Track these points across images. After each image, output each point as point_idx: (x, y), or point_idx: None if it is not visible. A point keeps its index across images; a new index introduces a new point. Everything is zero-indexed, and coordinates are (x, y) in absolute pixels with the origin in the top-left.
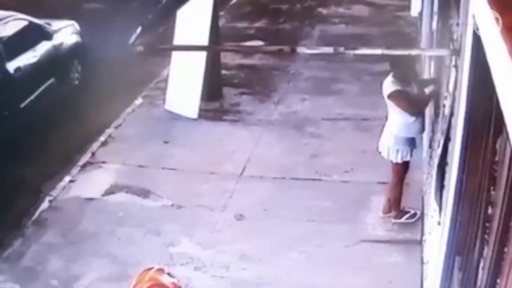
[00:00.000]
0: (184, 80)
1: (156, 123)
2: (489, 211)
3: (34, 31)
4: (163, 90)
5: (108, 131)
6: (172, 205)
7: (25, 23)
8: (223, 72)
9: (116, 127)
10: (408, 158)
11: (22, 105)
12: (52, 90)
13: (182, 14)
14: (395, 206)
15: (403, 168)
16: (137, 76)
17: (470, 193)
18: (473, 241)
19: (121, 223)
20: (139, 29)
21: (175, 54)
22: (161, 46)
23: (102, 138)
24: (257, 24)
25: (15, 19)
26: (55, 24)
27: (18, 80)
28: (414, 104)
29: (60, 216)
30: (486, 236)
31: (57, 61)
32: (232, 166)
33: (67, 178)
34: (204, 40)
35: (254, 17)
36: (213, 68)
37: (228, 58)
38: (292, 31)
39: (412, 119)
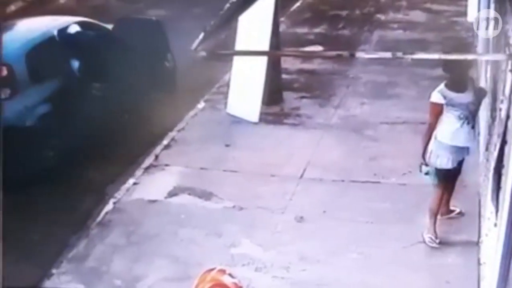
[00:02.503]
0: (245, 85)
1: (217, 126)
2: None
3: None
4: (225, 95)
5: (171, 134)
6: (233, 206)
7: (92, 27)
8: (284, 76)
9: (179, 131)
10: (448, 166)
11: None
12: None
13: (243, 20)
14: (430, 216)
15: (443, 176)
16: (200, 81)
17: None
18: None
19: (183, 225)
20: (201, 35)
21: (236, 59)
22: (223, 52)
23: (165, 141)
24: (317, 30)
25: (82, 24)
26: None
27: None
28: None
29: (124, 217)
30: None
31: None
32: (292, 169)
33: (131, 181)
34: (265, 46)
35: (313, 23)
36: (273, 73)
37: (288, 63)
38: (351, 36)
39: (457, 125)
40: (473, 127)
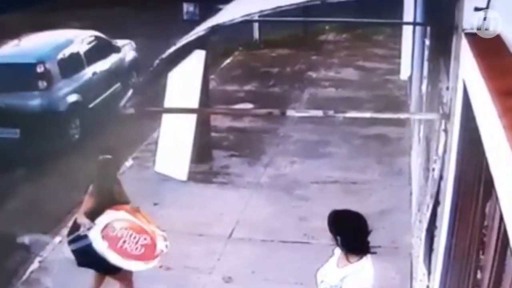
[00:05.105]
0: (174, 142)
1: (146, 184)
2: (478, 275)
3: (106, 46)
4: (153, 152)
5: None
6: (161, 266)
7: (101, 39)
8: (213, 134)
9: None
10: None
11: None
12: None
13: (173, 76)
14: None
15: None
16: (128, 138)
17: (459, 257)
18: None
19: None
20: (130, 92)
21: (165, 117)
22: (152, 109)
23: None
24: (247, 87)
25: (94, 36)
26: (119, 42)
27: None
28: None
29: (49, 276)
30: None
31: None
32: (220, 228)
33: (57, 239)
34: (194, 103)
35: (244, 80)
36: (203, 131)
37: (218, 121)
38: (282, 94)
39: None
40: None
